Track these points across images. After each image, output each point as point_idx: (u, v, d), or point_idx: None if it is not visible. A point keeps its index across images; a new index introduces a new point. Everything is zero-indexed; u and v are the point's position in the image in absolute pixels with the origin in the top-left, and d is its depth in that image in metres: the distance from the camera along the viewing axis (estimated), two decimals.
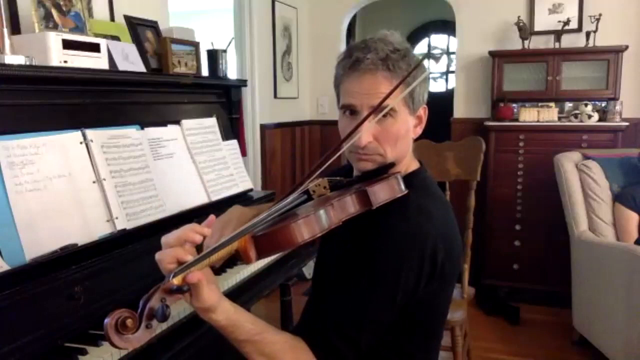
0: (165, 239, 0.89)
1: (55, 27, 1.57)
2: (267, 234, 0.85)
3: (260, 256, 0.86)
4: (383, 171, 1.05)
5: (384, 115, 1.00)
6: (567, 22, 3.18)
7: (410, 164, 1.12)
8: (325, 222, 0.88)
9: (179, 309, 1.30)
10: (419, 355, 1.10)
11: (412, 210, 0.99)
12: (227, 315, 0.86)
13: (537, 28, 3.36)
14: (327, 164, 0.96)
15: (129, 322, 0.71)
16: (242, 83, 2.29)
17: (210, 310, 0.84)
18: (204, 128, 1.92)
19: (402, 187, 1.01)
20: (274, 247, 0.87)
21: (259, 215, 0.93)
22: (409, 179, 1.07)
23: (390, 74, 0.99)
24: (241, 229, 0.88)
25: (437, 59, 6.28)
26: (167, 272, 0.83)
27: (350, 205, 0.94)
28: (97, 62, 1.53)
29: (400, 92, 0.99)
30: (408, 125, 1.06)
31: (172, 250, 0.85)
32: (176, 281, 0.78)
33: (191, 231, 0.89)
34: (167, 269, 0.84)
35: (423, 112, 1.10)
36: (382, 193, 0.97)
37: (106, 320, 0.71)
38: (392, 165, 1.05)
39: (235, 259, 0.88)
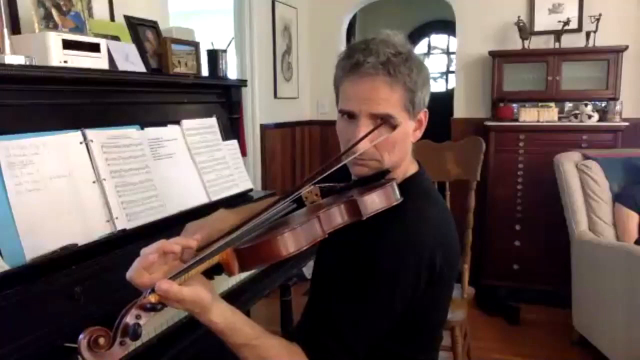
0: (144, 250, 0.87)
1: (55, 27, 1.57)
2: (250, 248, 0.83)
3: (243, 269, 0.84)
4: (379, 177, 1.03)
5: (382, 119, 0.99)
6: (567, 22, 3.18)
7: (408, 168, 1.11)
8: (312, 234, 0.86)
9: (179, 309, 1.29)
10: (419, 356, 1.09)
11: (410, 216, 0.98)
12: (225, 317, 0.85)
13: (537, 28, 3.36)
14: (323, 176, 0.95)
15: (101, 340, 0.72)
16: (242, 83, 2.28)
17: (204, 311, 0.82)
18: (204, 128, 1.92)
19: (397, 195, 0.98)
20: (258, 261, 0.85)
21: (243, 226, 0.90)
22: (407, 183, 1.06)
23: (390, 78, 0.97)
24: (224, 241, 0.86)
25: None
26: (143, 288, 0.82)
27: (338, 217, 0.92)
28: (97, 62, 1.53)
29: (399, 97, 0.98)
30: (407, 130, 1.04)
31: (138, 262, 0.84)
32: (153, 298, 0.76)
33: (168, 243, 0.86)
34: (140, 284, 0.83)
35: (423, 115, 1.08)
36: (373, 203, 0.94)
37: (80, 337, 0.71)
38: (388, 171, 1.04)
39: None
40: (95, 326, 0.72)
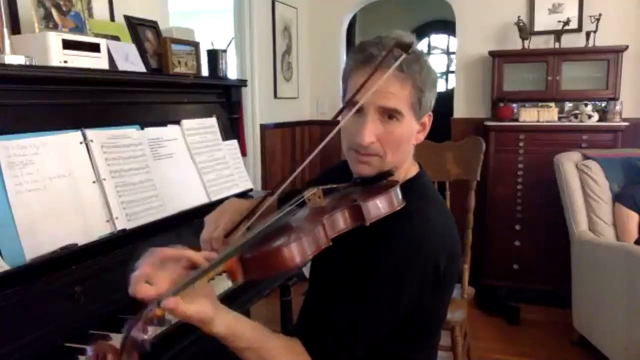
0: (134, 276, 0.81)
1: (55, 27, 1.57)
2: (256, 258, 0.82)
3: (248, 278, 0.83)
4: (381, 178, 1.03)
5: (390, 117, 0.99)
6: (567, 22, 3.18)
7: (410, 169, 1.11)
8: (316, 243, 0.86)
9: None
10: (418, 356, 1.09)
11: (414, 219, 0.98)
12: (227, 325, 0.84)
13: (537, 28, 3.36)
14: (314, 153, 0.93)
15: (109, 357, 0.73)
16: (242, 83, 2.29)
17: (207, 324, 0.81)
18: (204, 128, 1.92)
19: (400, 199, 0.98)
20: (263, 271, 0.83)
21: (248, 233, 0.90)
22: (409, 185, 1.06)
23: (401, 74, 0.97)
24: (229, 250, 0.85)
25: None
26: (148, 301, 0.79)
27: (341, 222, 0.91)
28: (97, 62, 1.53)
29: (408, 94, 0.98)
30: (412, 130, 1.04)
31: (136, 277, 0.80)
32: (159, 312, 0.75)
33: (161, 253, 0.84)
34: (145, 298, 0.79)
35: (428, 119, 1.08)
36: (377, 208, 0.93)
37: (88, 353, 0.72)
38: (390, 173, 1.04)
39: None
40: (103, 341, 0.73)
